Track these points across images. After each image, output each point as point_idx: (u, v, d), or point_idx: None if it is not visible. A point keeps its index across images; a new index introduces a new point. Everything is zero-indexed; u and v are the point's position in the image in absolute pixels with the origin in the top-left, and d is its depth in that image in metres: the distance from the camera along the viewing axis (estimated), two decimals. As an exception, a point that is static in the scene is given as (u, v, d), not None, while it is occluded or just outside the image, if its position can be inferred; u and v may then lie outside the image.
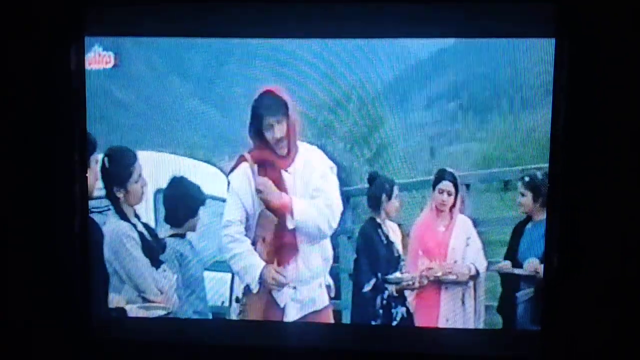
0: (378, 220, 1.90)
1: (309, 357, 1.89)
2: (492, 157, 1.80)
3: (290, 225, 1.87)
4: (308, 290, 1.89)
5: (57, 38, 1.82)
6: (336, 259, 1.91)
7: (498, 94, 1.76)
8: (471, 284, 1.88)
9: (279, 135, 1.83)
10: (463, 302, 1.89)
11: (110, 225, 1.90)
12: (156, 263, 1.91)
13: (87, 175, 1.86)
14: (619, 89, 1.71)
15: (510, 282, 1.85)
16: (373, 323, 1.90)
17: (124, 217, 1.90)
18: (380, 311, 1.89)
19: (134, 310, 1.91)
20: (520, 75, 1.75)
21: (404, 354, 1.88)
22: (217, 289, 1.95)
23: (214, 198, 1.91)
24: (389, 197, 1.87)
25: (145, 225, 1.92)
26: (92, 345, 1.91)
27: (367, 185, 1.86)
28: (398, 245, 1.90)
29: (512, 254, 1.84)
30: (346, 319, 1.91)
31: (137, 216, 1.92)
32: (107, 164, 1.88)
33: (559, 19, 1.71)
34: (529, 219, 1.83)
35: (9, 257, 1.90)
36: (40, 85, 1.83)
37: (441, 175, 1.83)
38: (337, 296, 1.92)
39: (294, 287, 1.89)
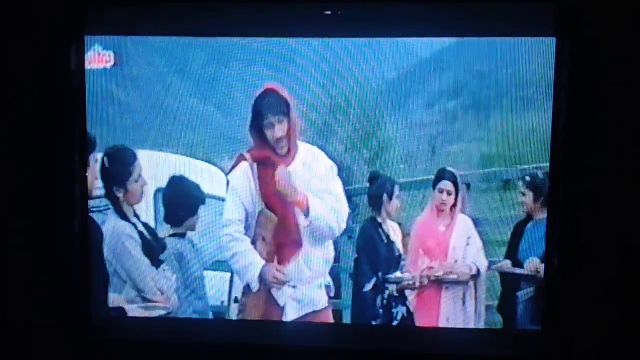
0: (378, 219, 1.91)
1: (309, 357, 1.90)
2: (493, 157, 1.80)
3: (303, 222, 1.87)
4: (308, 289, 1.90)
5: (57, 37, 1.83)
6: (336, 258, 1.92)
7: (498, 93, 1.77)
8: (472, 283, 1.89)
9: (280, 134, 1.84)
10: (464, 302, 1.90)
11: (110, 225, 1.91)
12: (156, 263, 1.92)
13: (86, 174, 1.86)
14: (619, 88, 1.72)
15: (510, 282, 1.86)
16: (373, 323, 1.90)
17: (123, 216, 1.91)
18: (381, 311, 1.90)
19: (134, 310, 1.91)
20: (521, 74, 1.76)
21: (404, 353, 1.88)
22: (216, 288, 1.95)
23: (213, 197, 1.92)
24: (390, 197, 1.88)
25: (145, 225, 1.93)
26: (92, 345, 1.92)
27: (367, 185, 1.87)
28: (398, 244, 1.90)
29: (513, 253, 1.85)
30: (346, 318, 1.92)
31: (136, 216, 1.93)
32: (106, 163, 1.89)
33: (559, 18, 1.71)
34: (529, 218, 1.84)
35: (9, 257, 1.90)
36: (40, 85, 1.84)
37: (441, 175, 1.84)
38: (338, 296, 1.93)
39: (294, 286, 1.89)
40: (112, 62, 1.85)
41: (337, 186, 1.87)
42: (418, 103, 1.80)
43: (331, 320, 1.92)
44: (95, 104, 1.86)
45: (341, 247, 1.92)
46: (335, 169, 1.86)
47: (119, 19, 1.84)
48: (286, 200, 1.87)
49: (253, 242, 1.89)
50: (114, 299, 1.92)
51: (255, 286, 1.88)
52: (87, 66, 1.84)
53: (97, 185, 1.90)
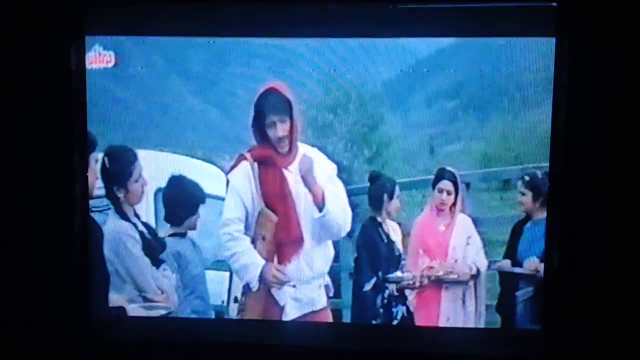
0: (379, 219, 1.92)
1: (310, 357, 1.91)
2: (492, 156, 1.82)
3: (315, 215, 1.87)
4: (308, 289, 1.91)
5: (58, 37, 1.84)
6: (336, 258, 1.93)
7: (498, 93, 1.79)
8: (472, 283, 1.90)
9: (282, 133, 1.85)
10: (464, 302, 1.91)
11: (111, 225, 1.92)
12: (156, 262, 1.93)
13: (87, 174, 1.88)
14: (619, 88, 1.73)
15: (509, 281, 1.87)
16: (373, 322, 1.91)
17: (124, 216, 1.92)
18: (381, 310, 1.91)
19: (134, 310, 1.92)
20: (520, 74, 1.77)
21: (405, 353, 1.89)
22: (215, 288, 1.96)
23: (214, 197, 1.93)
24: (391, 197, 1.89)
25: (146, 225, 1.94)
26: (92, 345, 1.93)
27: (367, 185, 1.88)
28: (398, 244, 1.92)
29: (512, 253, 1.87)
30: (346, 318, 1.93)
31: (137, 215, 1.94)
32: (107, 163, 1.90)
33: (559, 18, 1.72)
34: (528, 218, 1.86)
35: (9, 257, 1.91)
36: (41, 85, 1.85)
37: (441, 175, 1.85)
38: (338, 295, 1.94)
39: (294, 286, 1.90)
40: (112, 62, 1.86)
41: (340, 188, 1.88)
42: (418, 103, 1.82)
43: (330, 320, 1.93)
44: (96, 104, 1.87)
45: (341, 246, 1.93)
46: (335, 170, 1.87)
47: (120, 19, 1.86)
48: (289, 198, 1.89)
49: (253, 242, 1.90)
50: (115, 298, 1.93)
51: (255, 286, 1.90)
52: (88, 66, 1.86)
53: (97, 185, 1.91)
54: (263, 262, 1.89)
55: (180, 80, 1.86)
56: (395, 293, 1.90)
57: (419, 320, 1.92)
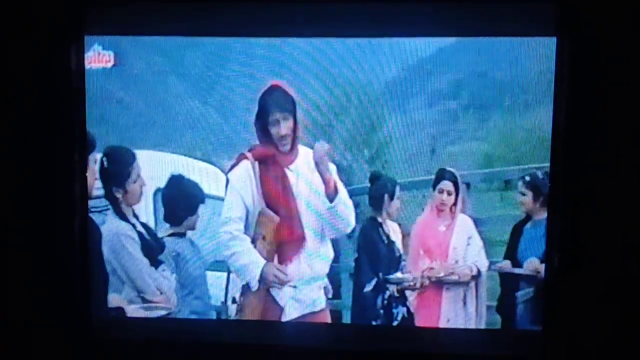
0: (379, 219, 1.93)
1: (310, 357, 1.92)
2: (493, 157, 1.83)
3: (326, 204, 1.87)
4: (308, 290, 1.92)
5: (57, 37, 1.85)
6: (336, 258, 1.94)
7: (499, 93, 1.80)
8: (473, 284, 1.91)
9: (284, 131, 1.86)
10: (465, 303, 1.92)
11: (109, 225, 1.93)
12: (155, 263, 1.95)
13: (86, 174, 1.88)
14: (619, 88, 1.74)
15: (509, 282, 1.89)
16: (374, 323, 1.91)
17: (122, 217, 1.94)
18: (381, 311, 1.92)
19: (134, 311, 1.93)
20: (521, 74, 1.78)
21: (405, 353, 1.89)
22: (214, 289, 1.97)
23: (213, 197, 1.93)
24: (391, 197, 1.90)
25: (144, 225, 1.96)
26: (92, 345, 1.94)
27: (367, 185, 1.89)
28: (399, 245, 1.93)
29: (512, 254, 1.88)
30: (347, 318, 1.95)
31: (136, 216, 1.96)
32: (105, 164, 1.91)
33: (560, 18, 1.73)
34: (528, 218, 1.87)
35: (9, 257, 1.93)
36: (40, 85, 1.86)
37: (441, 175, 1.87)
38: (338, 296, 1.95)
39: (294, 286, 1.91)
40: (112, 62, 1.87)
41: (342, 187, 1.89)
42: (419, 103, 1.83)
43: (329, 321, 1.94)
44: (95, 104, 1.88)
45: (341, 247, 1.95)
46: (334, 170, 1.89)
47: (119, 19, 1.87)
48: (291, 197, 1.89)
49: (253, 242, 1.90)
50: (114, 299, 1.94)
51: (255, 286, 1.90)
52: (87, 66, 1.87)
53: (96, 186, 1.92)
54: (264, 261, 1.89)
55: (180, 80, 1.87)
56: (396, 294, 1.91)
57: (420, 321, 1.93)
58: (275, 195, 1.90)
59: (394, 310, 1.91)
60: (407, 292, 1.91)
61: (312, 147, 1.88)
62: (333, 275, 1.94)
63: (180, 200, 1.94)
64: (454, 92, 1.81)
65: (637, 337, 1.79)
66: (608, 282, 1.78)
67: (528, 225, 1.86)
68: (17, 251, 1.91)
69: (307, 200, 1.89)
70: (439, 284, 1.91)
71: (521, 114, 1.78)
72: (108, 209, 1.92)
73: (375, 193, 1.90)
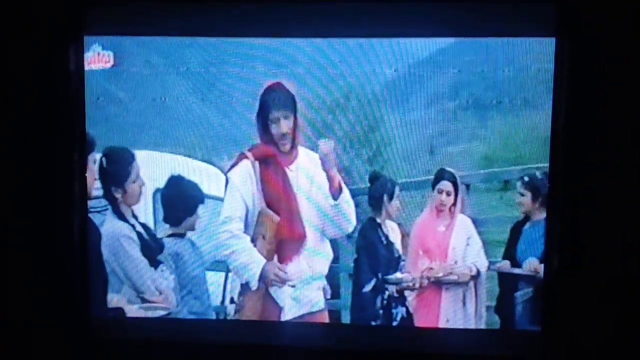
0: (378, 220, 1.94)
1: (309, 357, 1.93)
2: (492, 157, 1.84)
3: (330, 202, 1.88)
4: (307, 290, 1.93)
5: (57, 37, 1.86)
6: (336, 259, 1.95)
7: (498, 93, 1.81)
8: (472, 284, 1.92)
9: (284, 130, 1.87)
10: (464, 303, 1.93)
11: (109, 226, 1.94)
12: (154, 263, 1.95)
13: (85, 175, 1.89)
14: (618, 88, 1.75)
15: (508, 283, 1.90)
16: (373, 323, 1.92)
17: (121, 217, 1.95)
18: (380, 311, 1.92)
19: (134, 311, 1.94)
20: (520, 74, 1.79)
21: (404, 353, 1.89)
22: (213, 289, 1.98)
23: (212, 197, 1.94)
24: (391, 197, 1.91)
25: (144, 226, 1.97)
26: (92, 345, 1.95)
27: (366, 185, 1.91)
28: (398, 245, 1.94)
29: (511, 254, 1.89)
30: (346, 318, 1.95)
31: (135, 216, 1.97)
32: (104, 164, 1.92)
33: (559, 18, 1.73)
34: (527, 219, 1.88)
35: (9, 257, 1.94)
36: (40, 85, 1.87)
37: (441, 175, 1.88)
38: (337, 296, 1.96)
39: (293, 286, 1.92)
40: (111, 63, 1.88)
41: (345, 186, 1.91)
42: (418, 103, 1.83)
43: (327, 322, 1.95)
44: (95, 104, 1.89)
45: (341, 247, 1.96)
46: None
47: (118, 18, 1.88)
48: (292, 197, 1.90)
49: (252, 241, 1.91)
50: (114, 299, 1.95)
51: (254, 285, 1.91)
52: (87, 66, 1.88)
53: (95, 186, 1.92)
54: (264, 260, 1.90)
55: (179, 80, 1.88)
56: (395, 294, 1.91)
57: (419, 322, 1.94)
58: (276, 195, 1.91)
59: (393, 311, 1.92)
60: (406, 293, 1.92)
61: (311, 149, 1.89)
62: (332, 276, 1.95)
63: (180, 200, 1.95)
64: (453, 93, 1.82)
65: (636, 337, 1.79)
66: (607, 282, 1.80)
67: (527, 225, 1.87)
68: (16, 251, 1.93)
69: (309, 199, 1.91)
70: (438, 284, 1.92)
71: (520, 114, 1.79)
72: (107, 209, 1.93)
73: (375, 193, 1.91)
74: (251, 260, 1.90)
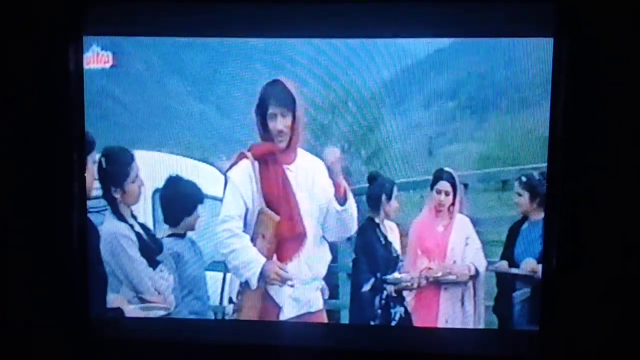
0: (376, 220, 1.95)
1: (308, 357, 1.93)
2: (490, 157, 1.84)
3: (337, 207, 1.90)
4: (306, 290, 1.93)
5: (56, 37, 1.86)
6: (334, 258, 1.96)
7: (496, 93, 1.81)
8: (470, 284, 1.93)
9: (281, 127, 1.88)
10: (462, 303, 1.94)
11: (108, 226, 1.95)
12: (153, 263, 1.96)
13: (85, 175, 1.90)
14: (617, 88, 1.76)
15: (506, 283, 1.91)
16: (372, 323, 1.93)
17: (120, 217, 1.95)
18: (379, 311, 1.93)
19: (133, 311, 1.95)
20: (519, 75, 1.80)
21: (403, 353, 1.90)
22: (212, 288, 1.99)
23: (211, 197, 1.94)
24: (389, 197, 1.92)
25: (143, 226, 1.98)
26: (92, 345, 1.96)
27: (364, 185, 1.92)
28: (396, 245, 1.94)
29: (509, 254, 1.90)
30: (344, 318, 1.96)
31: (134, 216, 1.97)
32: (104, 164, 1.93)
33: (559, 18, 1.74)
34: (524, 219, 1.89)
35: (9, 257, 1.95)
36: (39, 85, 1.88)
37: (439, 175, 1.88)
38: (335, 296, 1.97)
39: (292, 286, 1.93)
40: (110, 63, 1.89)
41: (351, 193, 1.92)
42: (416, 103, 1.84)
43: (326, 322, 1.96)
44: (94, 104, 1.90)
45: (339, 247, 1.97)
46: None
47: (118, 18, 1.88)
48: (292, 196, 1.91)
49: (252, 240, 1.92)
50: (114, 299, 1.96)
51: (254, 284, 1.91)
52: (86, 67, 1.89)
53: (95, 186, 1.93)
54: (264, 259, 1.91)
55: (178, 80, 1.89)
56: (394, 294, 1.92)
57: (418, 321, 1.95)
58: (275, 194, 1.92)
59: (392, 310, 1.93)
60: (405, 292, 1.93)
61: (310, 150, 1.90)
62: (331, 276, 1.96)
63: (178, 200, 1.96)
64: (451, 93, 1.83)
65: (635, 337, 1.80)
66: (606, 282, 1.81)
67: (525, 226, 1.88)
68: (16, 251, 1.94)
69: (309, 199, 1.92)
70: (437, 284, 1.93)
71: (519, 115, 1.80)
72: (106, 209, 1.94)
73: (373, 193, 1.92)
74: (251, 258, 1.91)
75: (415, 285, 1.92)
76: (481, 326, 1.93)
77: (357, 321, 1.95)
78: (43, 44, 1.85)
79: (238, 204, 1.92)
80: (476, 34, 1.79)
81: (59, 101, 1.87)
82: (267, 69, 1.86)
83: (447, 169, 1.86)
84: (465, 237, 1.91)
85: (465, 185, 1.88)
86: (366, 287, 1.93)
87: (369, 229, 1.93)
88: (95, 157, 1.91)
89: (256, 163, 1.90)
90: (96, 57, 1.89)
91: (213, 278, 1.99)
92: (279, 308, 1.93)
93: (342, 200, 1.90)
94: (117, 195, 1.94)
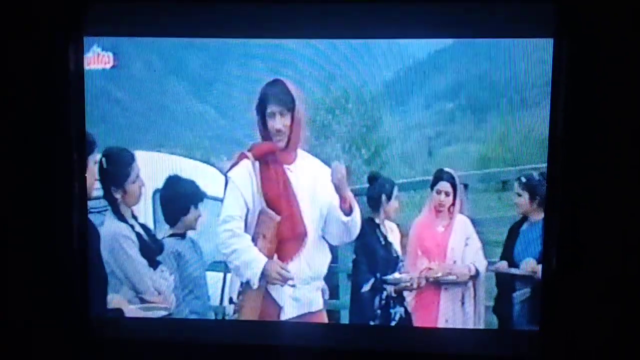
0: (377, 220, 1.95)
1: (308, 357, 1.94)
2: (490, 157, 1.85)
3: (343, 218, 1.90)
4: (306, 290, 1.94)
5: (56, 38, 1.87)
6: (335, 259, 1.97)
7: (496, 94, 1.82)
8: (471, 284, 1.94)
9: (279, 126, 1.89)
10: (463, 303, 1.94)
11: (108, 226, 1.96)
12: (154, 264, 1.97)
13: (85, 175, 1.91)
14: (617, 89, 1.76)
15: (506, 283, 1.91)
16: (371, 323, 1.93)
17: (121, 218, 1.96)
18: (379, 311, 1.93)
19: (134, 311, 1.96)
20: (519, 75, 1.80)
21: (403, 353, 1.91)
22: (212, 289, 2.00)
23: (211, 198, 1.95)
24: (389, 198, 1.93)
25: (143, 226, 1.98)
26: (92, 345, 1.97)
27: (364, 186, 1.92)
28: (397, 245, 1.95)
29: (508, 255, 1.91)
30: (344, 319, 1.97)
31: (134, 217, 1.98)
32: (104, 164, 1.94)
33: (559, 18, 1.74)
34: (524, 219, 1.90)
35: (9, 257, 1.96)
36: (40, 86, 1.88)
37: (439, 176, 1.89)
38: (336, 296, 1.98)
39: (293, 286, 1.93)
40: (111, 64, 1.89)
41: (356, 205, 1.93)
42: (416, 104, 1.85)
43: (326, 322, 1.97)
44: (95, 105, 1.91)
45: (339, 247, 1.97)
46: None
47: (118, 19, 1.89)
48: (292, 196, 1.92)
49: (253, 240, 1.93)
50: (114, 299, 1.97)
51: (255, 283, 1.92)
52: (86, 67, 1.90)
53: (95, 186, 1.94)
54: (265, 259, 1.92)
55: (179, 81, 1.90)
56: (393, 294, 1.93)
57: (418, 322, 1.96)
58: (276, 194, 1.93)
59: (392, 311, 1.94)
60: (405, 293, 1.94)
61: (309, 151, 1.91)
62: (331, 276, 1.97)
63: (177, 201, 1.97)
64: (451, 93, 1.84)
65: (635, 337, 1.81)
66: (606, 282, 1.82)
67: (524, 226, 1.89)
68: (16, 251, 1.95)
69: (310, 199, 1.93)
70: (437, 284, 1.94)
71: (519, 115, 1.80)
72: (107, 210, 1.95)
73: (373, 193, 1.92)
74: (252, 258, 1.91)
75: (414, 286, 1.93)
76: (481, 326, 1.94)
77: (357, 321, 1.96)
78: (43, 45, 1.86)
79: (239, 204, 1.93)
80: (476, 34, 1.80)
81: (59, 101, 1.87)
82: (267, 70, 1.87)
83: (447, 169, 1.87)
84: (465, 237, 1.92)
85: (466, 186, 1.89)
86: (366, 288, 1.94)
87: (369, 230, 1.94)
88: (96, 157, 1.92)
89: (257, 163, 1.91)
90: (97, 58, 1.89)
91: (213, 278, 2.00)
92: (279, 308, 1.94)
93: (347, 212, 1.91)
94: (118, 196, 1.94)
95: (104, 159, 1.92)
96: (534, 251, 1.87)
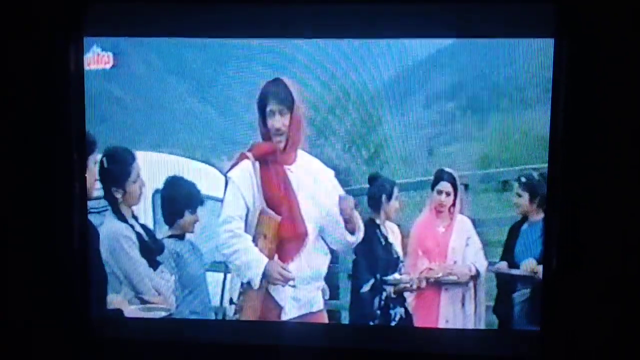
0: (377, 221, 1.96)
1: (308, 357, 1.94)
2: (491, 157, 1.85)
3: (349, 238, 1.93)
4: (307, 290, 1.95)
5: (56, 38, 1.88)
6: (335, 259, 1.98)
7: (496, 94, 1.83)
8: (471, 284, 1.94)
9: (279, 125, 1.90)
10: (463, 303, 1.95)
11: (108, 226, 1.96)
12: (154, 264, 1.98)
13: (85, 175, 1.92)
14: (617, 89, 1.76)
15: (506, 283, 1.92)
16: (371, 323, 1.94)
17: (121, 218, 1.97)
18: (378, 312, 1.94)
19: (133, 312, 1.96)
20: (519, 75, 1.81)
21: (403, 354, 1.91)
22: (212, 289, 2.01)
23: (211, 198, 1.96)
24: (389, 198, 1.93)
25: (143, 226, 1.99)
26: (92, 345, 1.98)
27: (364, 186, 1.93)
28: (397, 246, 1.95)
29: (509, 255, 1.91)
30: (345, 319, 1.97)
31: (134, 217, 1.99)
32: (105, 164, 1.94)
33: (559, 18, 1.75)
34: (524, 219, 1.90)
35: (9, 257, 1.96)
36: (39, 86, 1.89)
37: (439, 176, 1.90)
38: (336, 296, 1.98)
39: (293, 286, 1.94)
40: (111, 64, 1.90)
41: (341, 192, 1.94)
42: (416, 104, 1.85)
43: (326, 322, 1.98)
44: (95, 105, 1.91)
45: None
46: (333, 174, 1.92)
47: (118, 19, 1.90)
48: (292, 197, 1.93)
49: (253, 240, 1.93)
50: (114, 300, 1.98)
51: (256, 284, 1.92)
52: (86, 67, 1.90)
53: (96, 187, 1.95)
54: (266, 259, 1.92)
55: (179, 81, 1.91)
56: (393, 295, 1.93)
57: (418, 322, 1.96)
58: (276, 195, 1.93)
59: (391, 311, 1.94)
60: (406, 293, 1.95)
61: (309, 151, 1.92)
62: (331, 276, 1.97)
63: (177, 201, 1.97)
64: (452, 93, 1.84)
65: (635, 337, 1.82)
66: (606, 282, 1.82)
67: (524, 226, 1.90)
68: (16, 251, 1.95)
69: (310, 199, 1.93)
70: (438, 285, 1.94)
71: (519, 115, 1.81)
72: (107, 210, 1.96)
73: (373, 194, 1.93)
74: (253, 258, 1.92)
75: (414, 287, 1.93)
76: (482, 326, 1.95)
77: (357, 321, 1.96)
78: (43, 45, 1.87)
79: (239, 205, 1.93)
80: (476, 34, 1.80)
81: (59, 101, 1.88)
82: (267, 70, 1.87)
83: (447, 169, 1.87)
84: (466, 237, 1.92)
85: (466, 186, 1.90)
86: (365, 288, 1.94)
87: (369, 230, 1.94)
88: (96, 157, 1.93)
89: (257, 163, 1.92)
90: (96, 58, 1.90)
91: (214, 278, 2.00)
92: (280, 308, 1.95)
93: (353, 231, 1.93)
94: (118, 196, 1.95)
95: (104, 159, 1.93)
96: (534, 252, 1.87)
